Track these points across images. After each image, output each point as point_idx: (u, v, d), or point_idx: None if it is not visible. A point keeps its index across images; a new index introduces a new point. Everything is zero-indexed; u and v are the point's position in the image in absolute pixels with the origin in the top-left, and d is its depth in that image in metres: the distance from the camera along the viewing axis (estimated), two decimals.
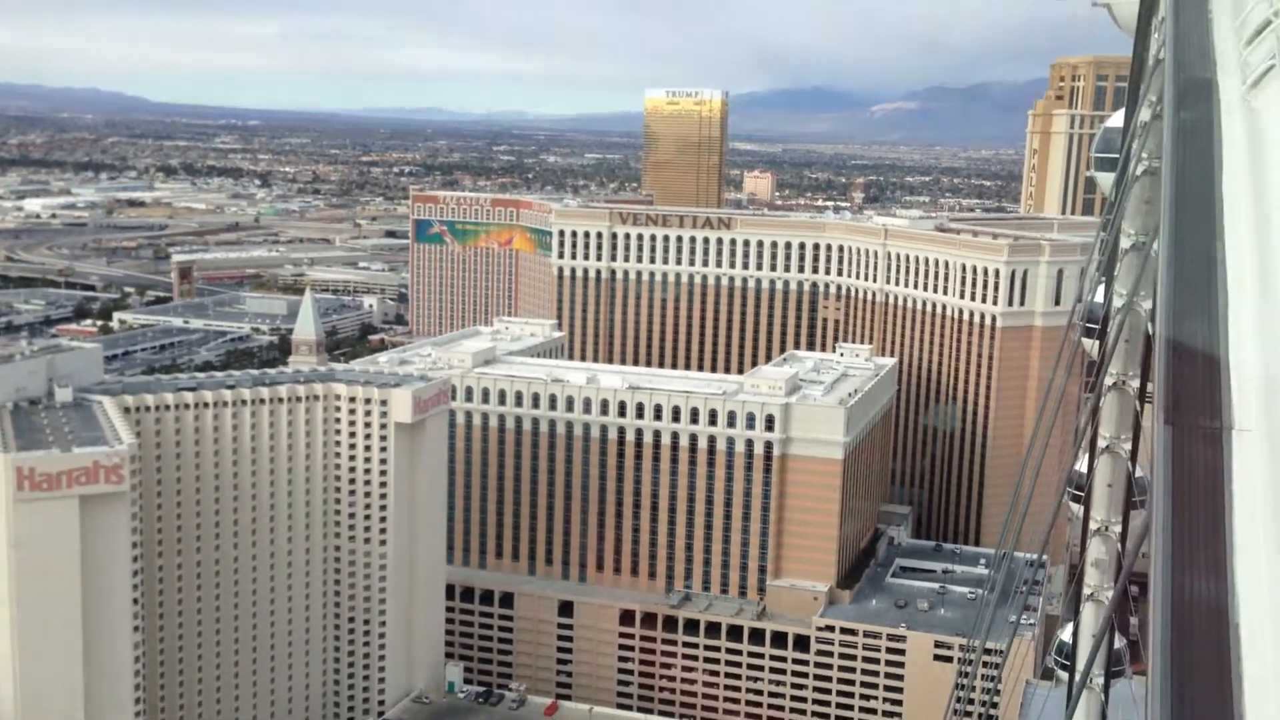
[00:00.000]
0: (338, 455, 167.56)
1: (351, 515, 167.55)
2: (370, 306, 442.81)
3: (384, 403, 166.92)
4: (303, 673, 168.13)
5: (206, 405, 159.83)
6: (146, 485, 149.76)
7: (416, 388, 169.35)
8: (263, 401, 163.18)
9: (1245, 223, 16.04)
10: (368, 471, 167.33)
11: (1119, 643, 46.84)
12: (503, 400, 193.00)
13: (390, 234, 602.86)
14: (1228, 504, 12.22)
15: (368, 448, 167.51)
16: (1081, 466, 44.14)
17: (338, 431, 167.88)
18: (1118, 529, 44.30)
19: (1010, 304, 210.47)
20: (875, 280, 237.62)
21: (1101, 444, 41.55)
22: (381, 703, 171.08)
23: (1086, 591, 45.47)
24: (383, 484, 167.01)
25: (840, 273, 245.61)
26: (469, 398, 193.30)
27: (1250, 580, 11.42)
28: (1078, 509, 43.76)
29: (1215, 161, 17.59)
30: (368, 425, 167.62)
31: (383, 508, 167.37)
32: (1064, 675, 47.15)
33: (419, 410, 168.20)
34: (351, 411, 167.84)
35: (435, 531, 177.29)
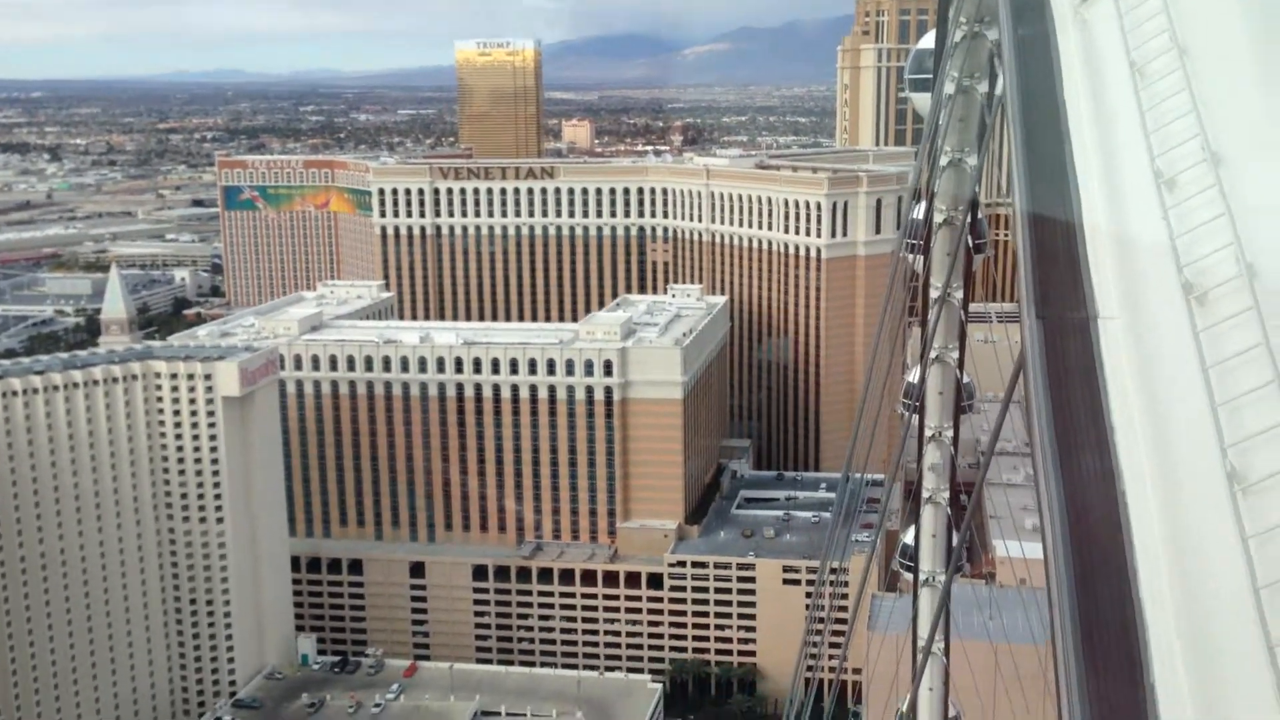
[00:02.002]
0: (163, 435, 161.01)
1: (184, 496, 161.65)
2: (183, 280, 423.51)
3: (208, 377, 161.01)
4: (145, 660, 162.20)
5: (15, 393, 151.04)
6: None
7: (242, 359, 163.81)
8: (76, 385, 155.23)
9: (1087, 128, 16.88)
10: (197, 449, 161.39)
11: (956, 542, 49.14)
12: (334, 366, 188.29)
13: (198, 203, 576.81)
14: (1102, 387, 13.11)
15: (195, 425, 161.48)
16: (914, 379, 45.93)
17: (161, 411, 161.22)
18: (950, 434, 46.39)
19: (833, 236, 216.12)
20: (701, 220, 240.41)
21: (932, 354, 43.23)
22: (233, 682, 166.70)
23: (925, 495, 47.57)
24: (214, 461, 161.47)
25: (666, 215, 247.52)
26: (298, 366, 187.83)
27: (1130, 452, 12.35)
28: (914, 420, 45.59)
29: (1055, 73, 18.40)
30: (193, 402, 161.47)
31: (216, 485, 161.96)
32: (909, 579, 49.18)
33: (246, 382, 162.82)
34: (174, 389, 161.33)
35: (274, 505, 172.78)
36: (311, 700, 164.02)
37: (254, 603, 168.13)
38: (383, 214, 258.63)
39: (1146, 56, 16.68)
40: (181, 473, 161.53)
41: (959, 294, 41.75)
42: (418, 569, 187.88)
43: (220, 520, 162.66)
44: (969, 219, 39.53)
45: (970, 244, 38.60)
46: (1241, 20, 17.34)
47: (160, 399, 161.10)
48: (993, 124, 32.59)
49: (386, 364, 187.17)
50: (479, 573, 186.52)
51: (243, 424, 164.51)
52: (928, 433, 45.54)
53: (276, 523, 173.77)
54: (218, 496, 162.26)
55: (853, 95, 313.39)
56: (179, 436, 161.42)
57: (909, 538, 47.89)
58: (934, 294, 43.32)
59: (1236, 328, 12.53)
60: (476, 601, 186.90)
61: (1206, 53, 16.24)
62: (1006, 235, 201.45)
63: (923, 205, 42.49)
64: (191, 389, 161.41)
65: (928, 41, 44.47)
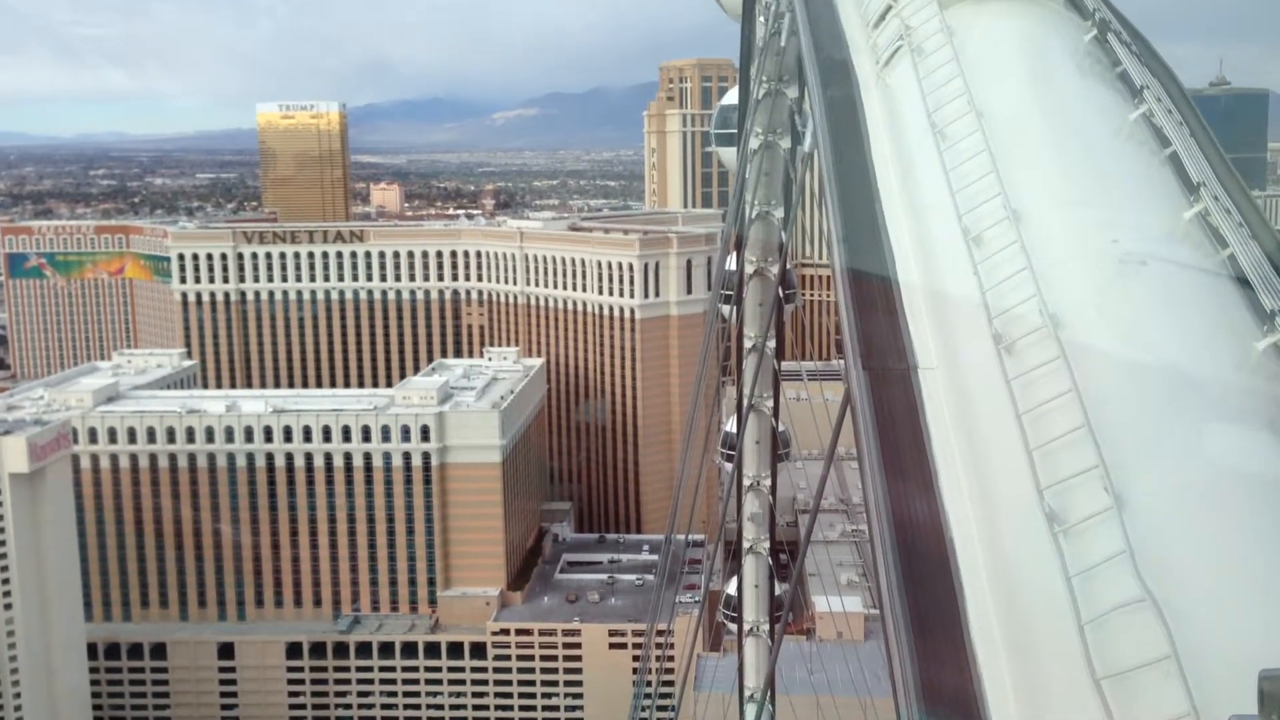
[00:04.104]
0: None
1: None
2: None
3: None
4: None
5: None
6: None
7: (31, 433, 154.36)
8: None
9: (897, 188, 17.74)
10: None
11: (780, 591, 50.20)
12: (133, 438, 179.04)
13: None
14: (926, 436, 13.62)
15: None
16: (731, 427, 46.87)
17: None
18: (768, 483, 47.50)
19: (646, 296, 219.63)
20: (515, 283, 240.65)
21: (746, 404, 44.30)
22: None
23: (746, 545, 48.43)
24: (1, 543, 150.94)
25: (480, 278, 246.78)
26: (93, 439, 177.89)
27: (954, 495, 12.85)
28: (733, 470, 46.47)
29: (863, 134, 19.27)
30: None
31: (4, 569, 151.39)
32: (734, 638, 49.67)
33: (36, 458, 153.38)
34: None
35: (69, 588, 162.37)
36: None
37: (47, 693, 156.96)
38: (183, 280, 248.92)
39: (946, 119, 17.54)
40: None
41: (772, 343, 43.08)
42: (227, 650, 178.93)
43: (9, 606, 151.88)
44: (779, 269, 40.84)
45: (780, 294, 40.00)
46: (1030, 85, 18.53)
47: None
48: (798, 178, 34.05)
49: (190, 434, 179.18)
50: (293, 650, 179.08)
51: (33, 502, 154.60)
52: (746, 482, 46.52)
53: (71, 607, 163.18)
54: (5, 581, 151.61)
55: (660, 158, 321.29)
56: None
57: (732, 589, 48.56)
58: (748, 344, 44.64)
59: (1046, 375, 13.09)
60: (291, 681, 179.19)
61: (1001, 115, 17.26)
62: (811, 295, 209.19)
63: (734, 257, 43.89)
64: None
65: (731, 98, 46.11)
